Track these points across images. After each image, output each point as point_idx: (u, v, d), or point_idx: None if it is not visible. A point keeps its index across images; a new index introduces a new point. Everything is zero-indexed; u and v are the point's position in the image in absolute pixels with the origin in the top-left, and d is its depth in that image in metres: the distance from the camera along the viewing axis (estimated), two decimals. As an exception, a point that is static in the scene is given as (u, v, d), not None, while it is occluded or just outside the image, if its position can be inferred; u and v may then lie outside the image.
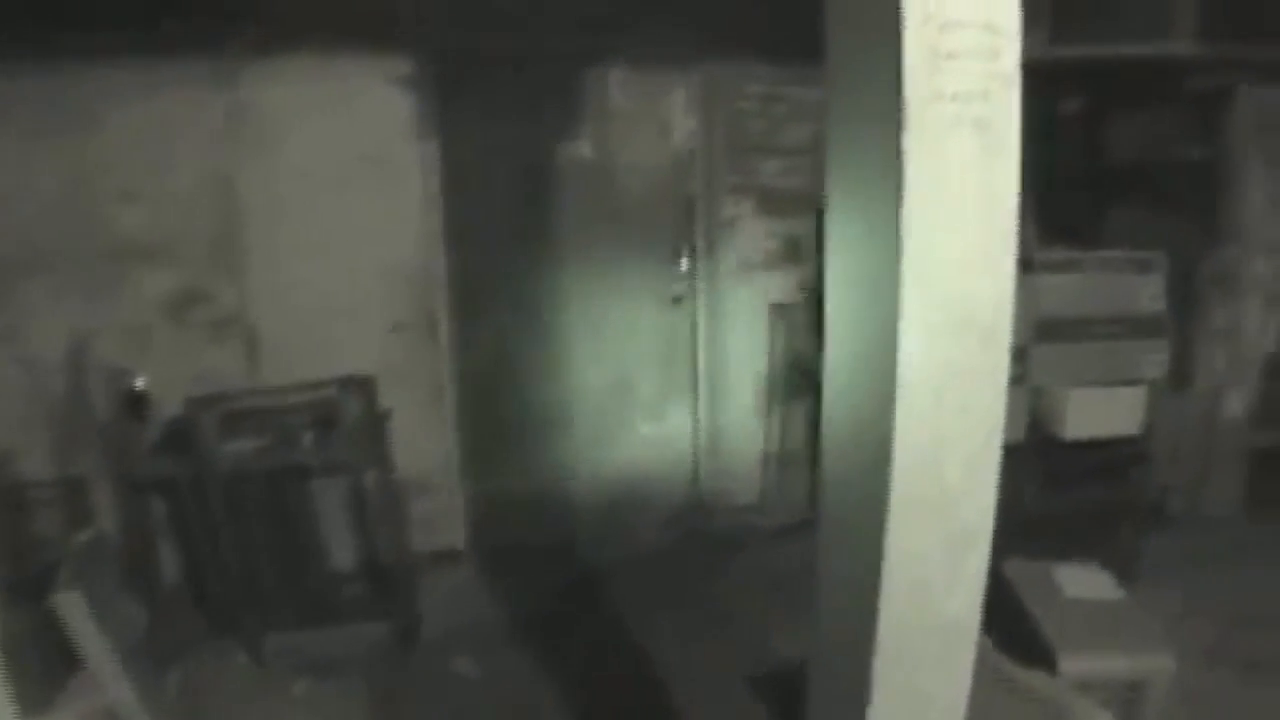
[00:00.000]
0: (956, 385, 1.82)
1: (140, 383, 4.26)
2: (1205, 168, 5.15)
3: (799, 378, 5.31)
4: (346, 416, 4.24)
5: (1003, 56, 1.72)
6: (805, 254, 5.28)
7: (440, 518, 4.96)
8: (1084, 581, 3.54)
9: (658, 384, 5.36)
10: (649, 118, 5.01)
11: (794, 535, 5.30)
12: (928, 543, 1.90)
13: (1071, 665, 3.08)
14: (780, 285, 5.32)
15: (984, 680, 2.12)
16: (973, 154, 1.73)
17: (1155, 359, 4.59)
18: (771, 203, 5.21)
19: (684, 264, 5.20)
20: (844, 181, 1.98)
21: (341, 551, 4.71)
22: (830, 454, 2.12)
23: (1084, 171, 5.30)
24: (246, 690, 3.98)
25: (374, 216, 4.57)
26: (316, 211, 4.46)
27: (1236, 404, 5.32)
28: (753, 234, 5.23)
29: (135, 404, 4.26)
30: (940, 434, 1.83)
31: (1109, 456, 4.57)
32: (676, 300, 5.24)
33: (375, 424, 4.30)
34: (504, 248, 4.94)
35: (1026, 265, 4.16)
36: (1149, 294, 4.57)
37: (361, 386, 4.28)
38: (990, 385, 1.85)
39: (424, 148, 4.60)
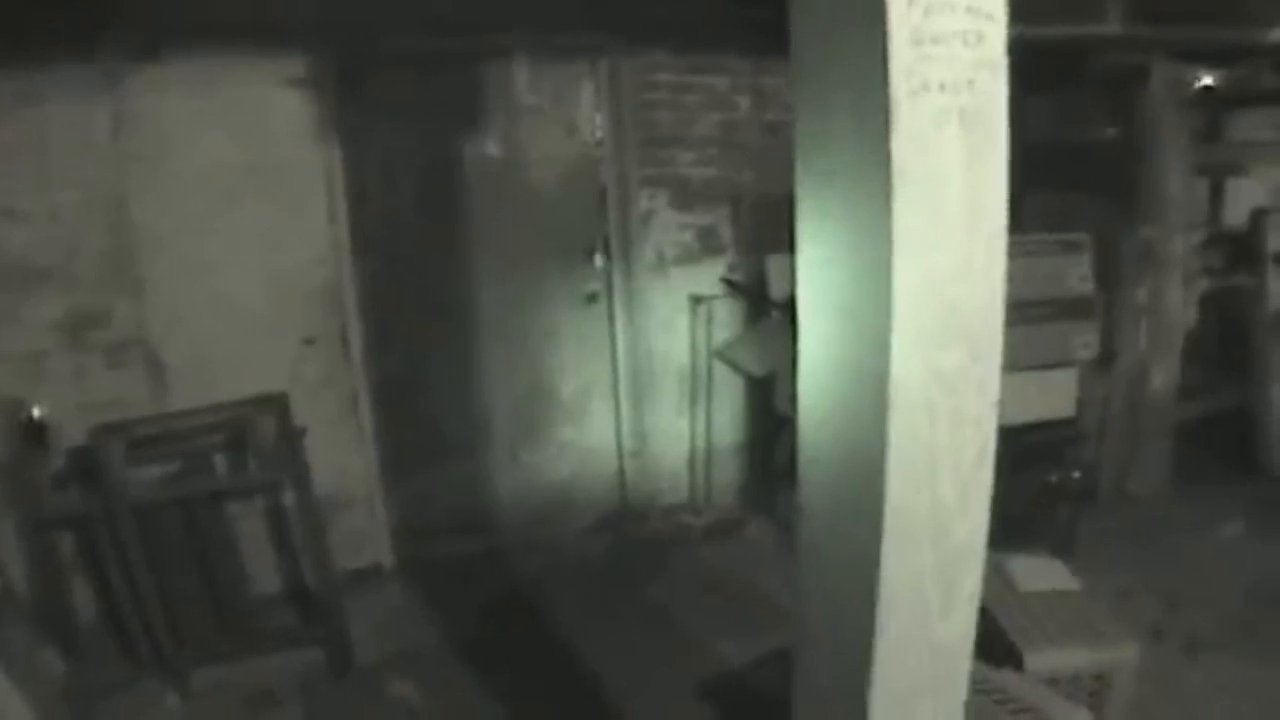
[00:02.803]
0: (949, 400, 1.73)
1: (37, 412, 4.03)
2: (1122, 147, 5.19)
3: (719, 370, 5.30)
4: (259, 436, 4.13)
5: (988, 40, 1.62)
6: (723, 246, 5.25)
7: (364, 534, 4.84)
8: (1037, 573, 3.53)
9: (578, 385, 5.31)
10: (557, 113, 4.94)
11: (726, 533, 5.28)
12: (922, 564, 1.81)
13: (1038, 662, 3.07)
14: (698, 277, 5.28)
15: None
16: (961, 150, 1.62)
17: (1086, 340, 4.61)
18: (686, 194, 5.17)
19: (599, 260, 5.13)
20: (817, 185, 1.84)
21: (265, 576, 4.57)
22: (811, 475, 2.01)
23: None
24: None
25: (276, 226, 4.40)
26: (215, 224, 4.27)
27: (1161, 380, 5.38)
28: (668, 226, 5.18)
29: (34, 435, 4.03)
30: (934, 452, 1.75)
31: (1044, 439, 4.59)
32: (592, 298, 5.17)
33: (290, 442, 4.15)
34: (414, 252, 4.82)
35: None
36: (1077, 275, 4.59)
37: (273, 404, 4.15)
38: (983, 398, 1.78)
39: (325, 152, 4.44)
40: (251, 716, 3.82)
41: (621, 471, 5.45)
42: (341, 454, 4.66)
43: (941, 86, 1.58)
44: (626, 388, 5.32)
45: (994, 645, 3.13)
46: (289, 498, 4.29)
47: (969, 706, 2.17)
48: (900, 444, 1.70)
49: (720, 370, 5.37)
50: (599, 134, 4.99)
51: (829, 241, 1.82)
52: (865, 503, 1.78)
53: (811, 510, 2.05)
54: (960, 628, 1.93)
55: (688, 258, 5.23)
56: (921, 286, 1.65)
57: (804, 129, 1.84)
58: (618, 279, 5.15)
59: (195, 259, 4.26)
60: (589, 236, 5.08)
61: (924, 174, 1.60)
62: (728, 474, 5.54)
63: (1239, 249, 5.89)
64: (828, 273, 1.85)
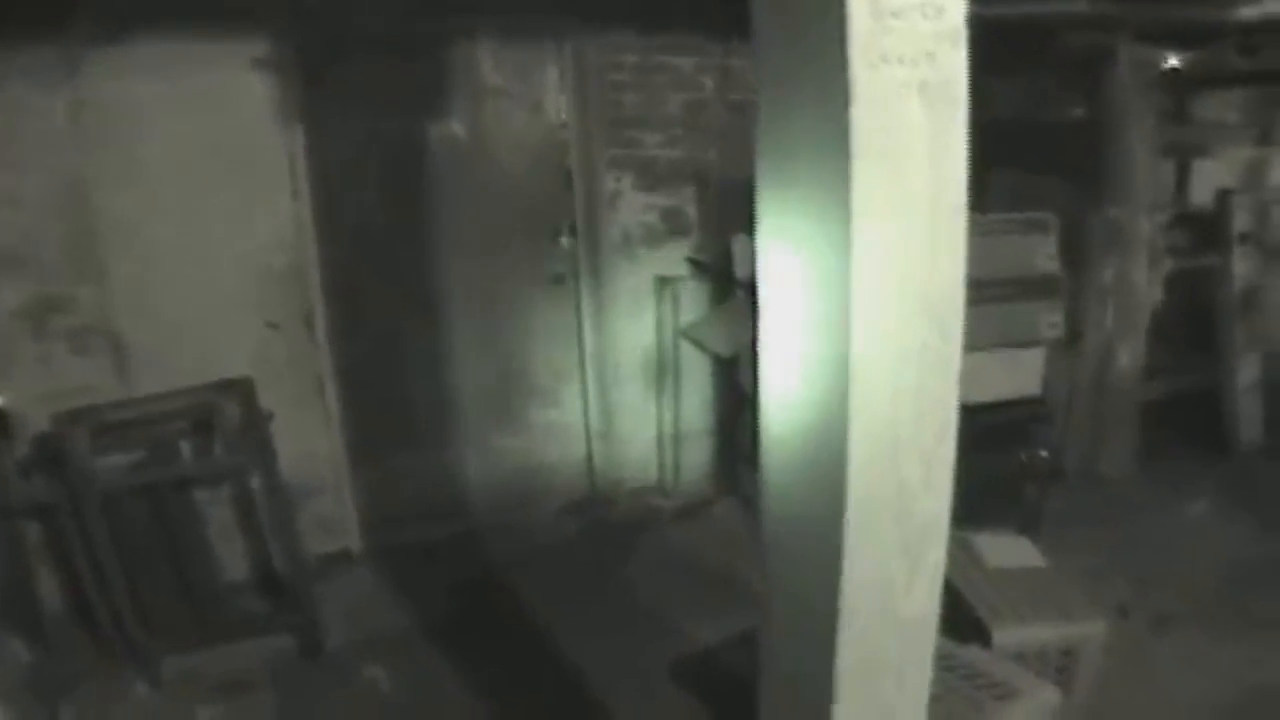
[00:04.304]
0: (912, 377, 1.72)
1: (1, 400, 3.97)
2: (1089, 128, 5.20)
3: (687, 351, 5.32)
4: (226, 421, 4.10)
5: (948, 13, 1.61)
6: (688, 226, 5.25)
7: (333, 519, 4.82)
8: (1004, 550, 3.56)
9: (546, 367, 5.30)
10: (522, 95, 4.91)
11: (695, 515, 5.29)
12: (886, 541, 1.81)
13: (1006, 638, 3.08)
14: (664, 258, 5.28)
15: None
16: (922, 123, 1.61)
17: (1052, 319, 4.63)
18: (652, 175, 5.15)
19: (565, 242, 5.12)
20: (779, 161, 1.84)
21: (234, 563, 4.53)
22: (774, 454, 2.00)
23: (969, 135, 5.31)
24: None
25: (240, 210, 4.36)
26: (178, 208, 4.23)
27: (1127, 359, 5.41)
28: (634, 208, 5.17)
29: (-3, 423, 3.98)
30: (896, 428, 1.75)
31: (1011, 418, 4.60)
32: (559, 280, 5.15)
33: (257, 427, 4.12)
34: (379, 235, 4.79)
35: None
36: (1044, 255, 4.61)
37: (239, 389, 4.12)
38: (945, 375, 1.78)
39: (289, 136, 4.40)
40: (223, 704, 3.80)
41: (590, 454, 5.45)
42: (309, 438, 4.64)
43: (901, 59, 1.58)
44: (594, 370, 5.32)
45: (961, 622, 3.15)
46: (257, 483, 4.25)
47: (935, 683, 2.18)
48: (862, 421, 1.70)
49: (688, 351, 5.37)
50: (564, 116, 4.96)
51: (790, 217, 1.82)
52: (828, 480, 1.77)
53: (774, 489, 2.05)
54: (925, 603, 1.93)
55: (654, 239, 5.23)
56: (882, 262, 1.64)
57: (766, 104, 1.83)
58: (584, 260, 5.14)
59: (159, 243, 4.22)
60: (555, 218, 5.06)
61: (884, 148, 1.59)
62: (696, 455, 5.54)
63: (1204, 229, 5.94)
64: (788, 249, 1.84)
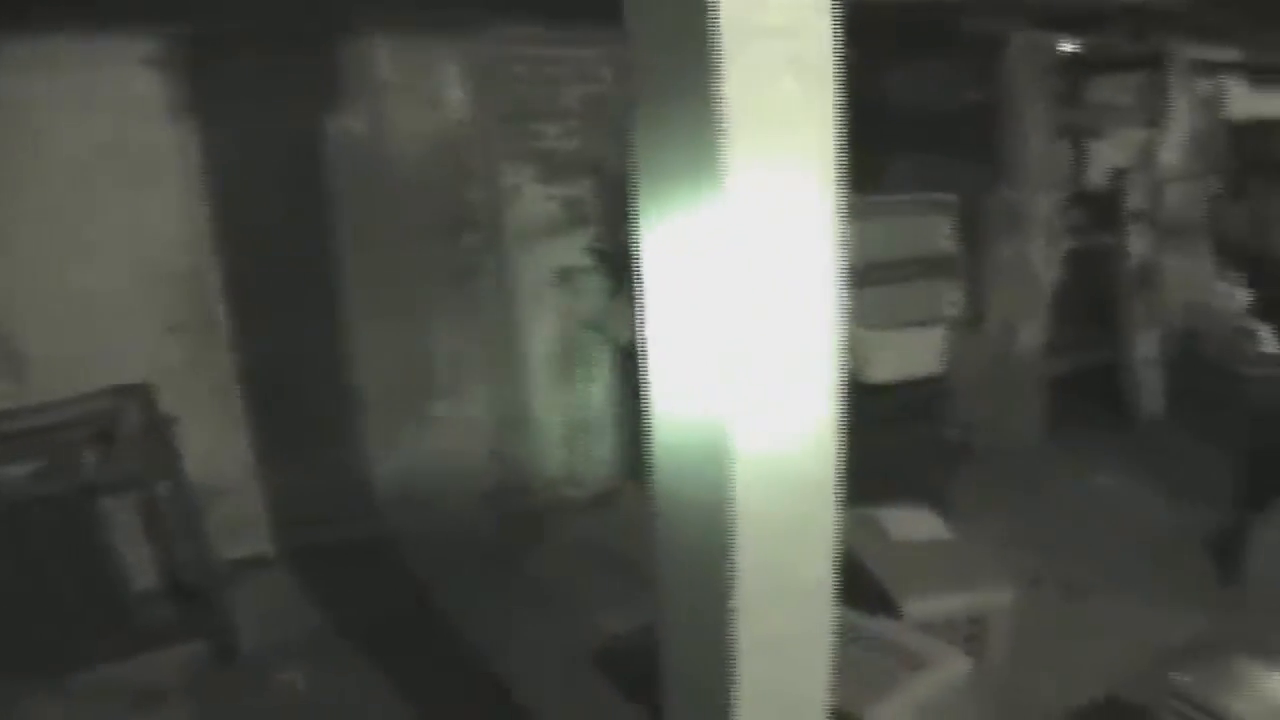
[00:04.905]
0: (787, 338, 1.74)
1: (-110, 412, 3.85)
2: (986, 111, 5.31)
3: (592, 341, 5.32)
4: (127, 428, 4.02)
5: (814, -16, 1.63)
6: (589, 216, 5.25)
7: (243, 523, 4.75)
8: (910, 523, 3.61)
9: (452, 361, 5.24)
10: (421, 89, 4.87)
11: (606, 503, 5.30)
12: (776, 516, 1.82)
13: (914, 609, 3.12)
14: (565, 249, 5.27)
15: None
16: (792, 95, 1.63)
17: (952, 298, 4.71)
18: (552, 167, 5.14)
19: (466, 236, 5.07)
20: (654, 136, 1.84)
21: (143, 572, 4.40)
22: (664, 431, 2.02)
23: (866, 117, 5.37)
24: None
25: (134, 211, 4.29)
26: (70, 210, 4.15)
27: (1028, 336, 5.53)
28: (534, 200, 5.14)
29: (-116, 436, 3.84)
30: (774, 390, 1.75)
31: (913, 396, 4.68)
32: (462, 273, 5.13)
33: (160, 433, 4.06)
34: (280, 233, 4.70)
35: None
36: (942, 235, 4.69)
37: (139, 395, 4.07)
38: (822, 335, 1.79)
39: (183, 134, 4.34)
40: (136, 715, 3.74)
41: (499, 446, 5.41)
42: (214, 442, 4.57)
43: (771, 32, 1.60)
44: (500, 362, 5.29)
45: (869, 594, 3.19)
46: (162, 490, 4.14)
47: (844, 656, 2.21)
48: (743, 388, 1.72)
49: (592, 340, 5.38)
50: (464, 110, 4.93)
51: (667, 192, 1.83)
52: (714, 451, 1.79)
53: (664, 466, 2.06)
54: (820, 571, 1.95)
55: (555, 230, 5.20)
56: (758, 234, 1.66)
57: (641, 81, 1.85)
58: (486, 253, 5.11)
59: (51, 247, 4.13)
60: (456, 212, 5.03)
61: (755, 120, 1.61)
62: (604, 444, 5.55)
63: (1100, 209, 6.09)
64: (666, 229, 1.86)
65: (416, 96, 4.85)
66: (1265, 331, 5.88)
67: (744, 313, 1.69)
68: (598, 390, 5.48)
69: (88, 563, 4.06)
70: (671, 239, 1.85)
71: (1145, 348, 6.06)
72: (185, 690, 3.88)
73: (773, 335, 1.73)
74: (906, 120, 5.36)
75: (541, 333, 5.32)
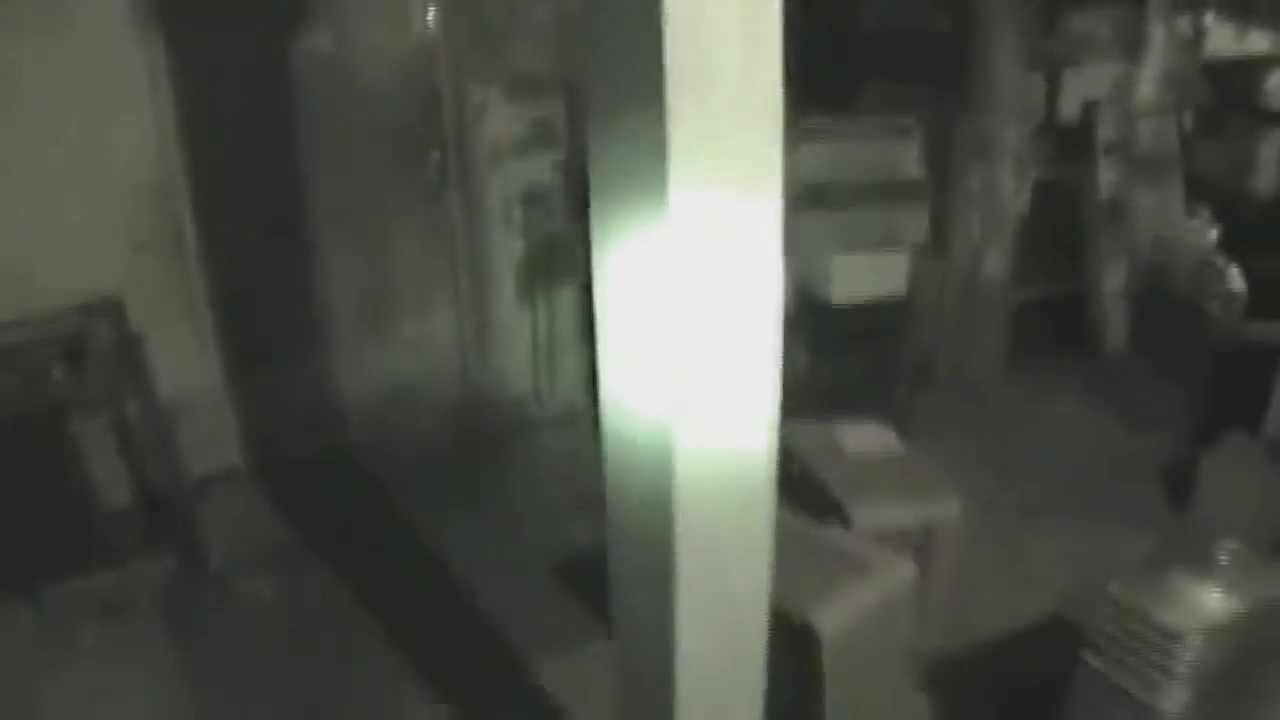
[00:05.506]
0: (724, 249, 1.77)
1: None
2: (956, 37, 5.29)
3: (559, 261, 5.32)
4: (97, 345, 4.01)
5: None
6: (557, 136, 5.22)
7: (211, 440, 4.78)
8: (865, 438, 3.66)
9: (418, 280, 5.25)
10: (388, 6, 4.83)
11: (571, 423, 5.34)
12: (714, 429, 1.87)
13: (864, 518, 3.17)
14: (534, 169, 5.24)
15: (779, 539, 2.13)
16: (734, 14, 1.63)
17: (915, 222, 4.75)
18: (520, 87, 5.10)
19: (434, 154, 5.05)
20: (601, 55, 1.84)
21: (113, 488, 4.39)
22: (611, 360, 2.05)
23: (837, 41, 5.36)
24: (31, 645, 3.77)
25: (98, 126, 4.24)
26: (35, 126, 4.10)
27: (994, 265, 5.57)
28: (502, 119, 5.11)
29: None
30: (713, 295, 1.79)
31: (875, 319, 4.73)
32: (429, 192, 5.11)
33: (129, 350, 4.08)
34: (247, 151, 4.68)
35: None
36: (908, 159, 4.71)
37: (108, 311, 4.05)
38: (766, 263, 1.82)
39: (146, 50, 4.29)
40: (106, 626, 3.81)
41: (465, 365, 5.43)
42: (183, 359, 4.59)
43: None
44: (467, 281, 5.29)
45: (821, 504, 3.25)
46: (132, 407, 4.18)
47: (792, 562, 2.27)
48: (686, 314, 1.77)
49: (560, 260, 5.37)
50: (432, 27, 4.88)
51: (612, 110, 1.84)
52: (659, 381, 1.85)
53: (612, 394, 2.08)
54: (760, 484, 2.01)
55: (523, 150, 5.17)
56: (700, 131, 1.67)
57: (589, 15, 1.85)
58: (454, 172, 5.09)
59: (18, 162, 4.09)
60: (424, 130, 5.00)
61: (697, 44, 1.59)
62: (571, 363, 5.56)
63: (1071, 140, 6.10)
64: (612, 144, 1.88)
65: (385, 14, 4.81)
66: (1232, 269, 5.92)
67: (683, 226, 1.71)
68: (564, 310, 5.49)
69: (59, 478, 4.11)
70: (620, 239, 1.90)
71: (1112, 280, 6.10)
72: (153, 601, 3.96)
73: (711, 246, 1.76)
74: (877, 44, 5.36)
75: (509, 252, 5.32)
